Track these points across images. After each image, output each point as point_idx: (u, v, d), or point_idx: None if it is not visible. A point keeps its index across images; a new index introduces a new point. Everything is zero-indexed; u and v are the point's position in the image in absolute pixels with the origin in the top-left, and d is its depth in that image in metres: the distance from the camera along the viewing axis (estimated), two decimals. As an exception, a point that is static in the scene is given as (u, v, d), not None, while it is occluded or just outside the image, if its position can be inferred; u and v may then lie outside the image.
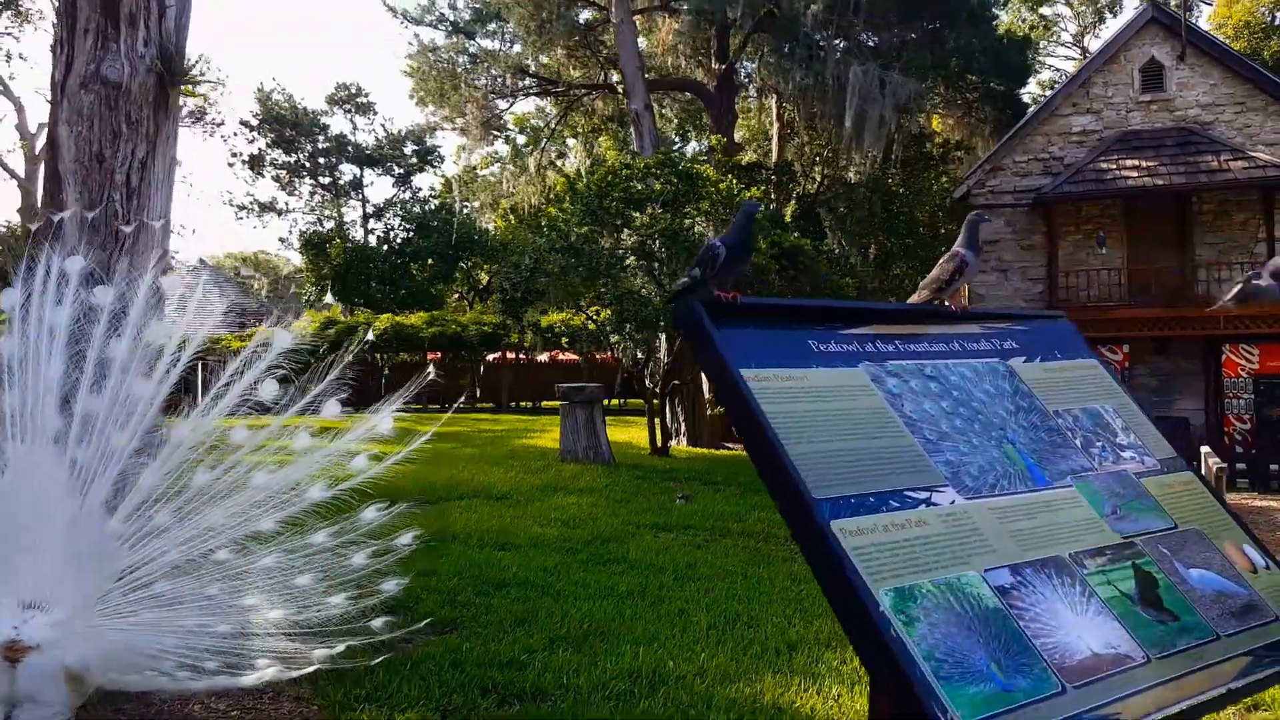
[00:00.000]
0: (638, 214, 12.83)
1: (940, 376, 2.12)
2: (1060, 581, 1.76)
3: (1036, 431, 2.14)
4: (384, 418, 3.06)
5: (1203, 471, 9.22)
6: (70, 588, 2.63)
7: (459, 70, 19.04)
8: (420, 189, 34.83)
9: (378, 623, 3.22)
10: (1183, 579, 1.96)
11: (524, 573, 5.63)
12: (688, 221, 12.91)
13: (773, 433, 1.68)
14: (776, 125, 21.95)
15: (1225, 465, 10.90)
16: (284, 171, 33.13)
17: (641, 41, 20.68)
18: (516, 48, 18.84)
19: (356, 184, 34.34)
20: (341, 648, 3.08)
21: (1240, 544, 2.18)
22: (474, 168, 24.95)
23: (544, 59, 20.30)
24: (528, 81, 19.78)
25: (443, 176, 31.78)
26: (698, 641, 4.40)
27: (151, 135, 4.47)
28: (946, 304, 2.50)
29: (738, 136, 25.55)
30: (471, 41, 19.13)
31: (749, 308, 1.98)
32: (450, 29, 19.04)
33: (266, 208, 33.90)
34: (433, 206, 32.83)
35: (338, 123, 46.31)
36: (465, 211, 30.07)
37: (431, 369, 3.37)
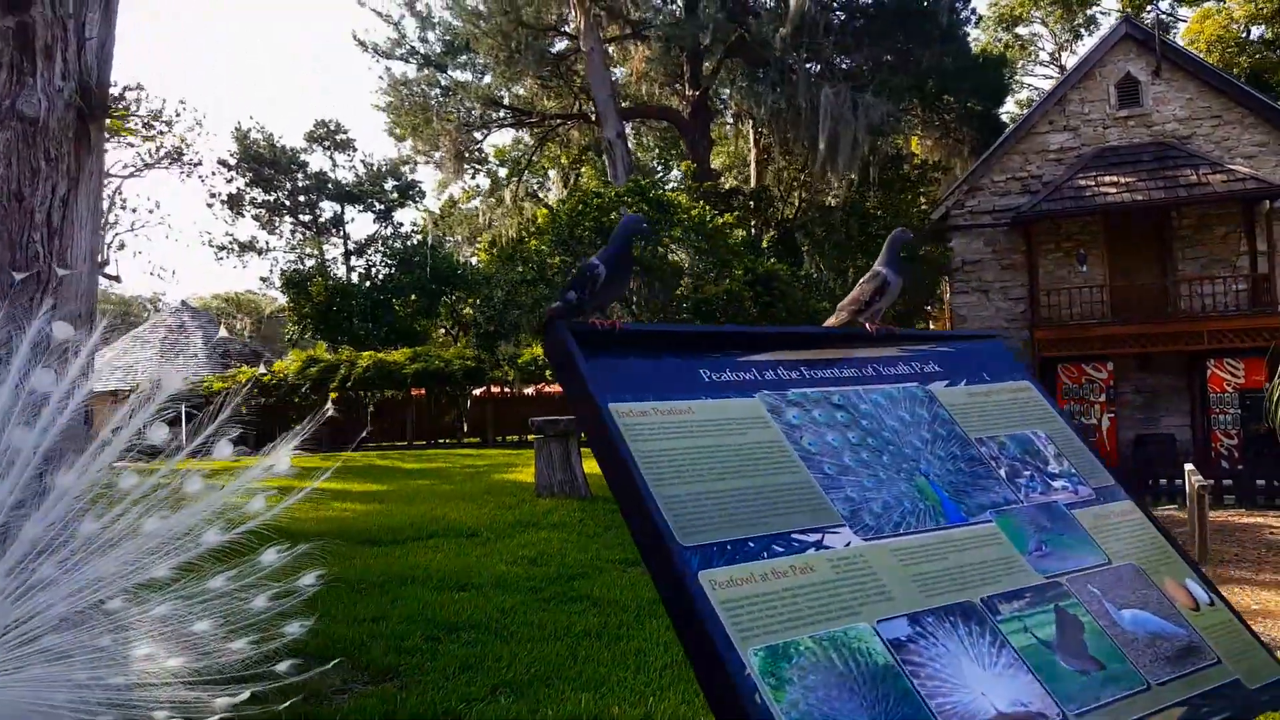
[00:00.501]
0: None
1: (849, 405, 1.95)
2: (967, 631, 1.58)
3: (955, 462, 1.97)
4: (281, 458, 2.90)
5: (1186, 489, 9.06)
6: None
7: (431, 103, 19.03)
8: (402, 224, 34.78)
9: (283, 666, 3.03)
10: (1113, 621, 1.79)
11: (479, 614, 5.41)
12: (660, 249, 12.82)
13: (638, 473, 1.51)
14: (754, 151, 21.99)
15: (1210, 483, 10.75)
16: (263, 210, 33.06)
17: (617, 70, 20.76)
18: (488, 79, 18.85)
19: (337, 221, 34.27)
20: (246, 695, 2.90)
21: (1182, 578, 2.01)
22: (455, 201, 24.91)
23: (519, 90, 20.33)
24: (501, 113, 19.79)
25: (425, 211, 31.73)
26: (650, 684, 4.19)
27: (73, 172, 4.32)
28: (865, 326, 2.34)
29: (716, 163, 25.63)
30: (443, 74, 19.14)
31: (633, 335, 1.82)
32: (421, 62, 19.05)
33: (247, 247, 33.79)
34: (415, 242, 32.76)
35: (317, 160, 46.50)
36: (449, 245, 30.01)
37: (330, 407, 3.19)
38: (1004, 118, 23.40)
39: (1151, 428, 15.78)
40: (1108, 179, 16.02)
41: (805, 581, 1.51)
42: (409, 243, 33.02)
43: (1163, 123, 16.46)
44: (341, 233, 34.44)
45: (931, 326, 25.25)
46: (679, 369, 1.79)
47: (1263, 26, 23.93)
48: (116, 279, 27.70)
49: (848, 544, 1.62)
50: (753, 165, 22.07)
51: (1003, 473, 2.01)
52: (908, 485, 1.83)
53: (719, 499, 1.56)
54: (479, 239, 23.50)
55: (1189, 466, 9.84)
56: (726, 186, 22.53)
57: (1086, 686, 1.61)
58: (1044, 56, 32.13)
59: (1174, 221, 15.98)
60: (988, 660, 1.55)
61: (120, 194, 27.07)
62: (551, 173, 22.85)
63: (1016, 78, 31.50)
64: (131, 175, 26.53)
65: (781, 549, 1.54)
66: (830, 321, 2.36)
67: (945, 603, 1.61)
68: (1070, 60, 27.82)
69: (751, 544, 1.52)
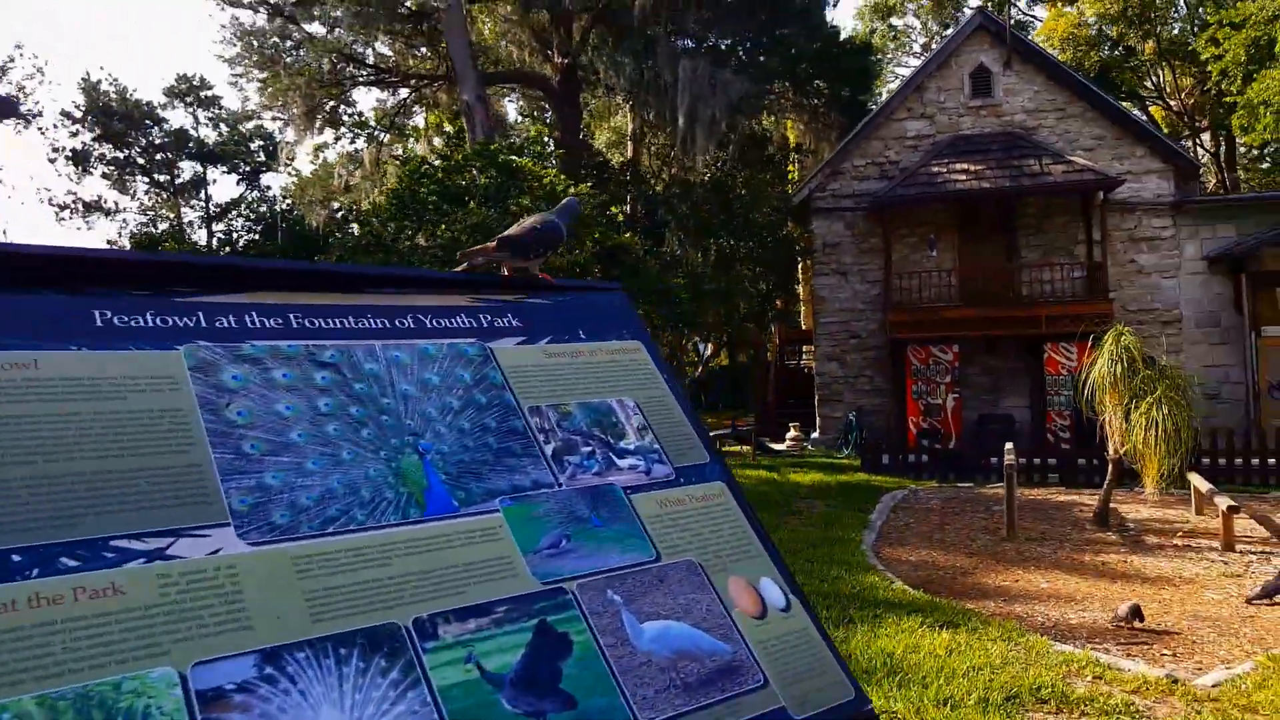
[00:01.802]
0: (458, 209, 12.11)
1: (343, 364, 1.54)
2: (361, 667, 1.18)
3: (481, 436, 1.59)
4: None
5: (1004, 465, 9.20)
6: None
7: (283, 56, 17.80)
8: (269, 187, 32.96)
9: None
10: (624, 638, 1.43)
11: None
12: (509, 218, 12.27)
13: None
14: (632, 125, 21.58)
15: (1021, 460, 11.02)
16: (113, 168, 30.71)
17: (486, 30, 19.96)
18: (340, 32, 17.75)
19: (199, 182, 32.20)
20: None
21: (755, 578, 1.68)
22: (329, 164, 23.63)
23: (383, 49, 19.31)
24: (363, 72, 18.74)
25: (294, 173, 30.08)
26: None
27: None
28: (503, 269, 1.97)
29: (601, 139, 25.12)
30: (294, 26, 17.94)
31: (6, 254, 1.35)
32: (271, 11, 17.78)
33: (93, 207, 31.34)
34: (282, 207, 31.08)
35: (177, 117, 43.44)
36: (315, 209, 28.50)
37: None
38: (873, 106, 23.76)
39: (994, 408, 16.24)
40: (959, 166, 16.31)
41: (85, 611, 1.07)
42: (275, 207, 31.31)
43: (1012, 113, 16.85)
44: (204, 195, 32.39)
45: (793, 309, 25.54)
46: (53, 308, 1.33)
47: (1110, 25, 24.97)
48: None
49: (215, 551, 1.20)
50: (629, 141, 21.68)
51: (549, 450, 1.64)
52: (384, 467, 1.43)
53: (35, 489, 1.12)
54: (336, 202, 22.32)
55: (1008, 445, 10.01)
56: (615, 161, 22.06)
57: (538, 733, 1.24)
58: (916, 49, 32.83)
59: (1019, 210, 16.41)
60: (371, 710, 1.14)
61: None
62: (415, 137, 21.87)
63: (889, 68, 32.11)
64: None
65: (76, 563, 1.10)
66: (463, 259, 1.97)
67: (344, 629, 1.21)
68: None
69: (17, 558, 1.08)
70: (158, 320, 1.41)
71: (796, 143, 22.55)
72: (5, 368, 1.22)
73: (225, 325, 1.47)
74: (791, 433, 17.44)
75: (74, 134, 29.79)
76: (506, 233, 2.02)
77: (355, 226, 16.48)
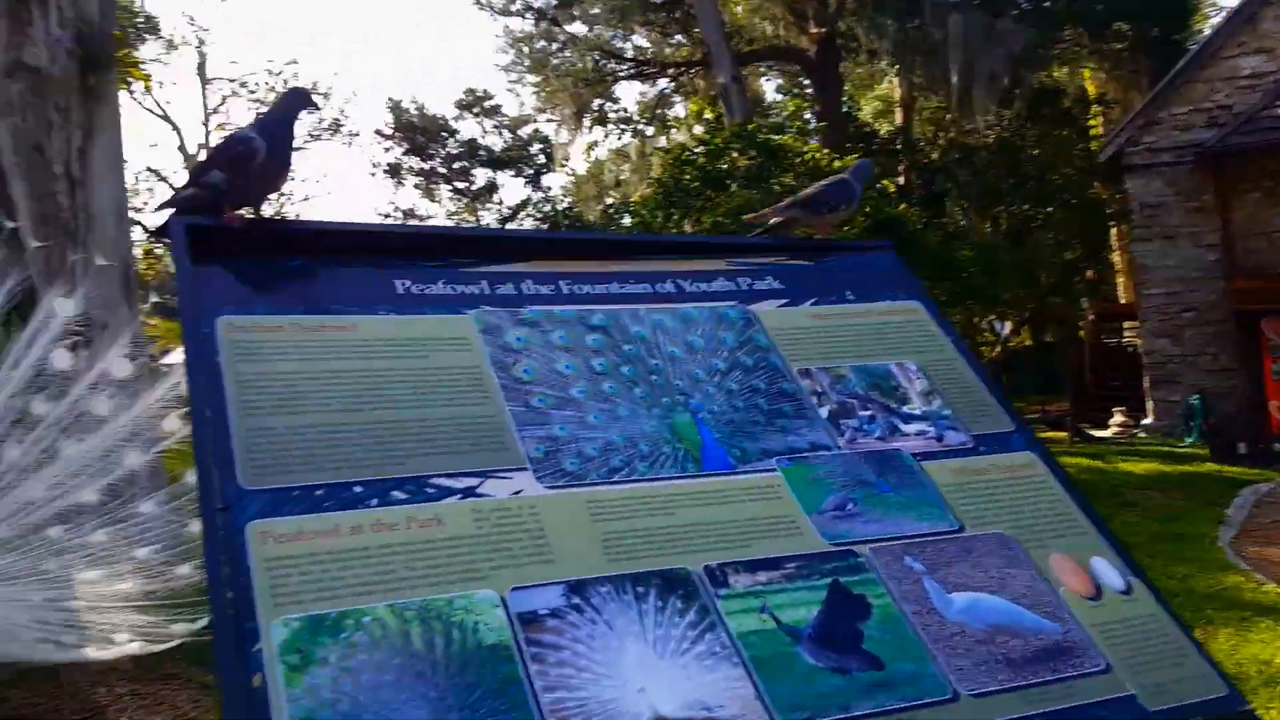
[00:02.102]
0: (720, 193, 12.25)
1: (612, 327, 1.58)
2: (659, 606, 1.21)
3: (750, 397, 1.56)
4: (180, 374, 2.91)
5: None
6: None
7: (551, 59, 18.89)
8: (549, 188, 35.34)
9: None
10: (929, 607, 1.35)
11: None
12: (770, 199, 12.22)
13: (219, 398, 1.23)
14: (899, 90, 20.57)
15: None
16: (421, 178, 34.46)
17: (739, 9, 19.94)
18: (599, 29, 18.45)
19: (491, 187, 35.26)
20: (203, 621, 2.92)
21: (1084, 557, 1.51)
22: (589, 159, 24.97)
23: (641, 41, 19.88)
24: (622, 66, 19.42)
25: (570, 172, 32.04)
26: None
27: (85, 123, 4.44)
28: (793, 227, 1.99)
29: (868, 110, 24.25)
30: (557, 28, 18.93)
31: (311, 233, 1.53)
32: (536, 16, 18.92)
33: (409, 215, 35.37)
34: (562, 206, 33.25)
35: (468, 128, 47.80)
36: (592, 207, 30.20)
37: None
38: (1190, 46, 20.77)
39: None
40: (1310, 104, 13.80)
41: (414, 537, 1.19)
42: (557, 206, 33.57)
43: (1379, 33, 13.98)
44: (496, 199, 35.47)
45: (1107, 281, 23.00)
46: (364, 278, 1.49)
47: None
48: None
49: (517, 492, 1.28)
50: (896, 108, 20.71)
51: (824, 412, 1.58)
52: (659, 424, 1.46)
53: (334, 434, 1.27)
54: (609, 197, 23.42)
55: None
56: (883, 131, 21.26)
57: (836, 691, 1.21)
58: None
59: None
60: (672, 646, 1.17)
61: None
62: (676, 126, 22.36)
63: (1207, 1, 27.81)
64: (298, 149, 28.32)
65: (405, 496, 1.23)
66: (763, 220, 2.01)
67: (639, 569, 1.24)
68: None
69: (359, 489, 1.21)
70: (449, 288, 1.54)
71: (1097, 94, 20.24)
72: (333, 329, 1.39)
73: (506, 292, 1.57)
74: (1117, 418, 15.57)
75: (386, 149, 33.76)
76: (801, 193, 2.03)
77: (627, 218, 17.24)
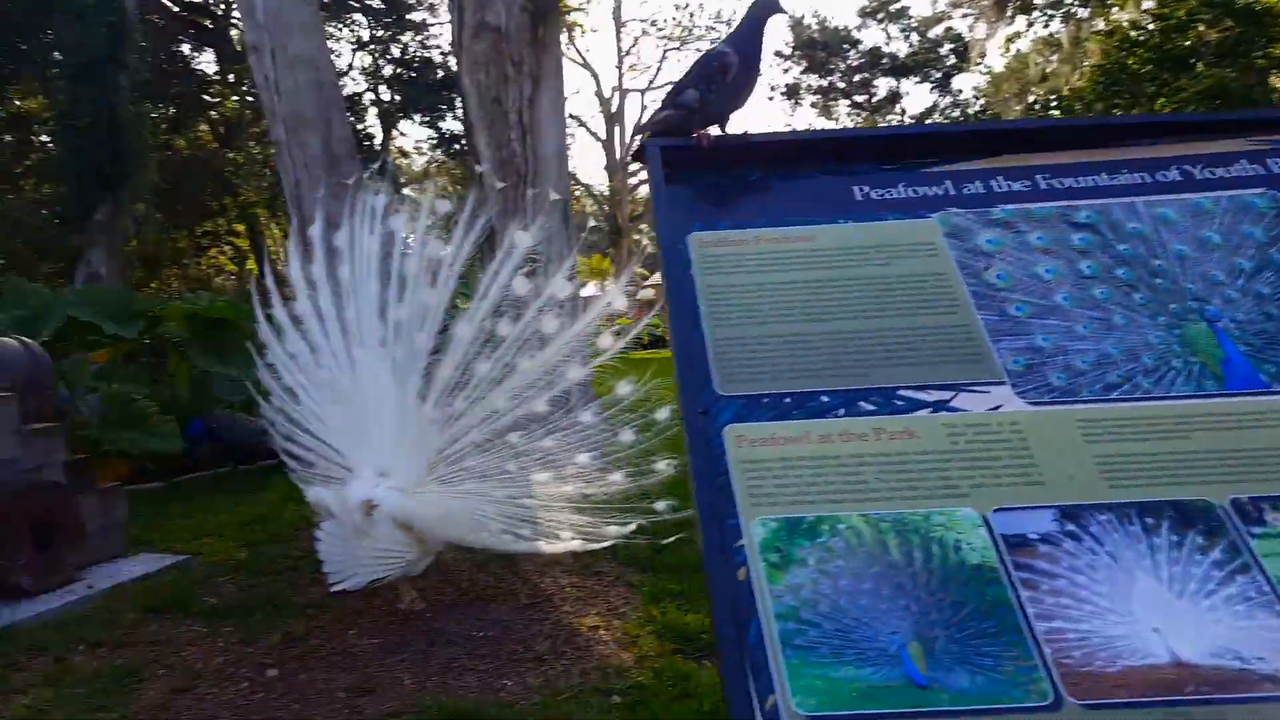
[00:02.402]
0: (1182, 74, 10.36)
1: (1102, 224, 1.37)
2: (1175, 540, 1.05)
3: (1287, 304, 1.26)
4: (616, 296, 3.12)
5: None
6: (404, 461, 3.22)
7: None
8: (959, 90, 32.78)
9: (661, 505, 3.28)
10: None
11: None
12: (1252, 75, 10.09)
13: (693, 311, 1.28)
14: None
15: None
16: (819, 96, 33.97)
17: None
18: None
19: (894, 97, 33.69)
20: (633, 526, 3.23)
21: None
22: (1008, 54, 22.47)
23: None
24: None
25: (986, 70, 29.31)
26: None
27: (534, 73, 4.99)
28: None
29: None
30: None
31: (770, 145, 1.51)
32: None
33: (806, 134, 35.24)
34: (975, 109, 30.68)
35: (871, 36, 45.58)
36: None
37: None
38: None
39: None
40: None
41: (885, 449, 1.15)
42: (968, 110, 31.06)
43: None
44: (899, 109, 33.82)
45: None
46: (821, 187, 1.45)
47: None
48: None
49: (996, 408, 1.19)
50: None
51: (1393, 323, 1.24)
52: (1165, 334, 1.25)
53: (798, 344, 1.27)
54: (1032, 94, 20.98)
55: None
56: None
57: None
58: None
59: None
60: (1194, 586, 1.03)
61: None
62: (1120, 5, 19.09)
63: None
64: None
65: (872, 407, 1.20)
66: None
67: (1147, 498, 1.09)
68: None
69: (826, 398, 1.20)
70: (910, 191, 1.44)
71: None
72: (794, 240, 1.38)
73: (973, 191, 1.43)
74: None
75: (785, 70, 33.67)
76: None
77: (1055, 113, 15.35)
